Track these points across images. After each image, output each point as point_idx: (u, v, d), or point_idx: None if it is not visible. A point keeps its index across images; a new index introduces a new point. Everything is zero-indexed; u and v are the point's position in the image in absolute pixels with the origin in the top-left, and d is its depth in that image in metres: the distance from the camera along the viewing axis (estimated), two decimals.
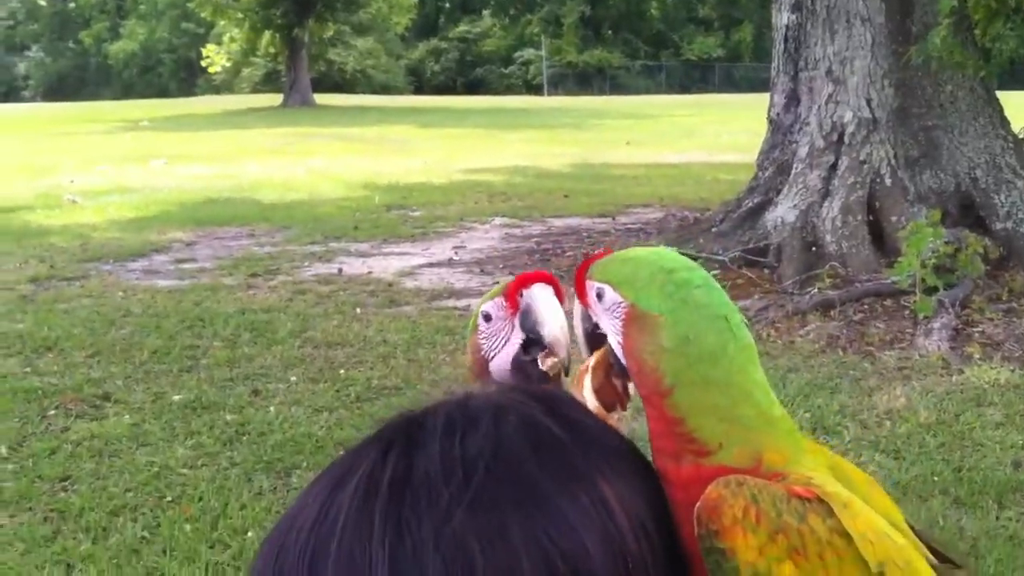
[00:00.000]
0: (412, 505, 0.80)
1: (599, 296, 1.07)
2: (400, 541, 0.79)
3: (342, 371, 6.46)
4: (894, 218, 8.83)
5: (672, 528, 0.94)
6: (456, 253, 10.68)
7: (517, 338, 1.30)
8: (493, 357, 1.39)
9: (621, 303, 1.03)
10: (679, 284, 1.00)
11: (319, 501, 0.84)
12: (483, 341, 1.41)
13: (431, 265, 10.08)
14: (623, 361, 1.05)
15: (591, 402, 1.07)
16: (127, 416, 5.68)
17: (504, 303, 1.39)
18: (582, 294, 1.11)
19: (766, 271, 8.89)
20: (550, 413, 0.89)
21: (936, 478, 4.64)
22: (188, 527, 4.31)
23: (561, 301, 1.39)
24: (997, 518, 4.28)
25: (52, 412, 5.78)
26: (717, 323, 0.99)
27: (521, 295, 1.30)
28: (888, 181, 9.07)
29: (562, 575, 0.79)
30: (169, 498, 4.63)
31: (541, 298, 1.37)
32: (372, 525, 0.80)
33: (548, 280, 1.40)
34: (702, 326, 0.99)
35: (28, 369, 6.58)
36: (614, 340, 1.05)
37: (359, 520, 0.80)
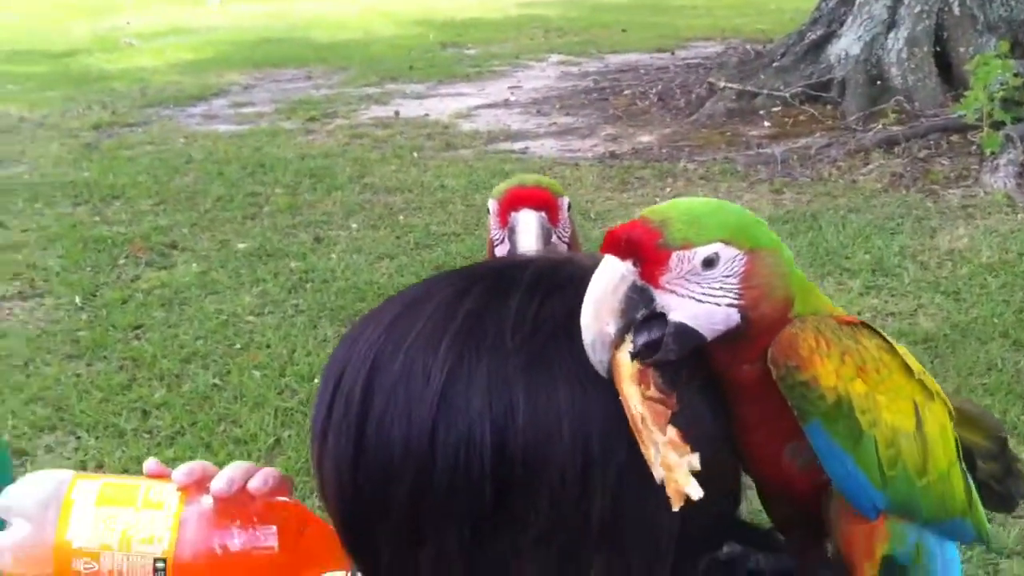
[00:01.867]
0: (479, 341, 0.84)
1: (709, 264, 0.98)
2: (458, 369, 0.83)
3: (401, 217, 6.52)
4: (962, 49, 8.55)
5: None
6: (512, 93, 10.57)
7: (506, 248, 1.38)
8: (497, 247, 1.44)
9: (739, 255, 0.99)
10: (750, 215, 1.05)
11: (393, 313, 0.89)
12: (493, 231, 1.46)
13: (487, 106, 10.00)
14: (717, 327, 0.99)
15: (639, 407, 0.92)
16: (194, 264, 5.82)
17: (497, 214, 1.43)
18: (655, 274, 0.96)
19: (829, 107, 8.71)
20: None
21: (996, 320, 4.63)
22: (257, 374, 4.46)
23: (554, 222, 1.42)
24: None
25: (122, 261, 5.93)
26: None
27: (509, 220, 1.37)
28: (956, 10, 8.75)
29: (594, 452, 0.84)
30: (238, 345, 4.78)
31: (523, 225, 1.40)
32: (439, 346, 0.85)
33: (540, 203, 1.41)
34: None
35: (97, 218, 6.73)
36: (721, 303, 0.99)
37: (430, 338, 0.85)
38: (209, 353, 4.71)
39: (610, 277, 0.94)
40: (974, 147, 7.23)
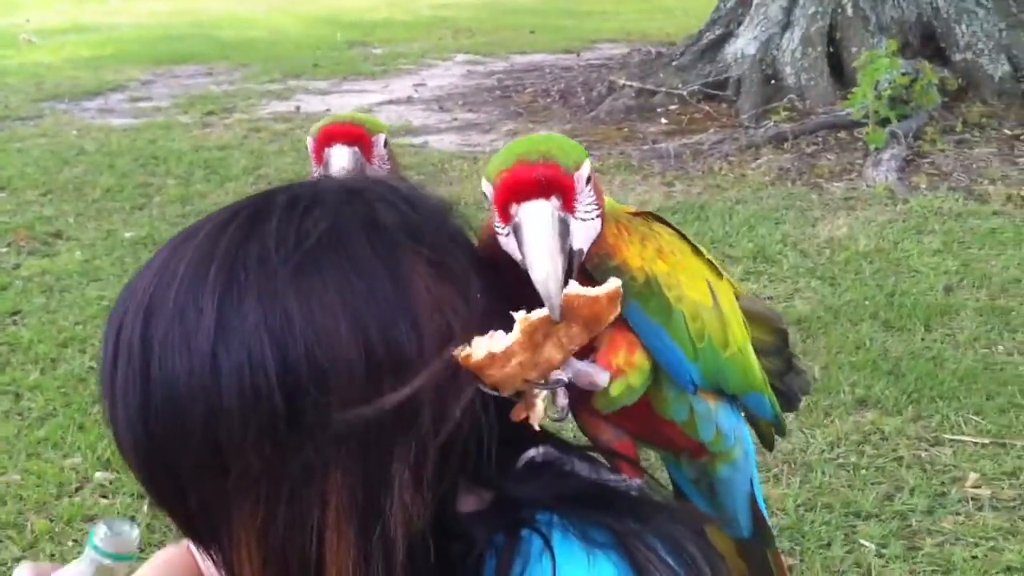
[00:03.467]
0: (244, 263, 0.86)
1: (588, 181, 1.03)
2: (228, 293, 0.85)
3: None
4: (854, 49, 8.74)
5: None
6: (416, 91, 10.58)
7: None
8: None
9: (590, 169, 1.03)
10: None
11: (162, 256, 0.91)
12: (312, 170, 1.44)
13: (391, 103, 9.99)
14: (591, 241, 1.05)
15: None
16: (78, 252, 5.73)
17: (313, 151, 1.41)
18: (571, 203, 1.01)
19: (724, 105, 8.86)
20: (395, 197, 0.95)
21: (868, 302, 4.76)
22: None
23: (368, 158, 1.39)
24: (922, 339, 4.42)
25: (3, 249, 5.82)
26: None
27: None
28: (850, 11, 8.96)
29: (375, 343, 0.86)
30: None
31: (336, 161, 1.36)
32: (207, 276, 0.86)
33: (352, 138, 1.38)
34: None
35: None
36: (593, 215, 1.04)
37: (197, 270, 0.87)
38: (88, 337, 4.63)
39: (547, 219, 0.96)
40: (860, 143, 7.42)
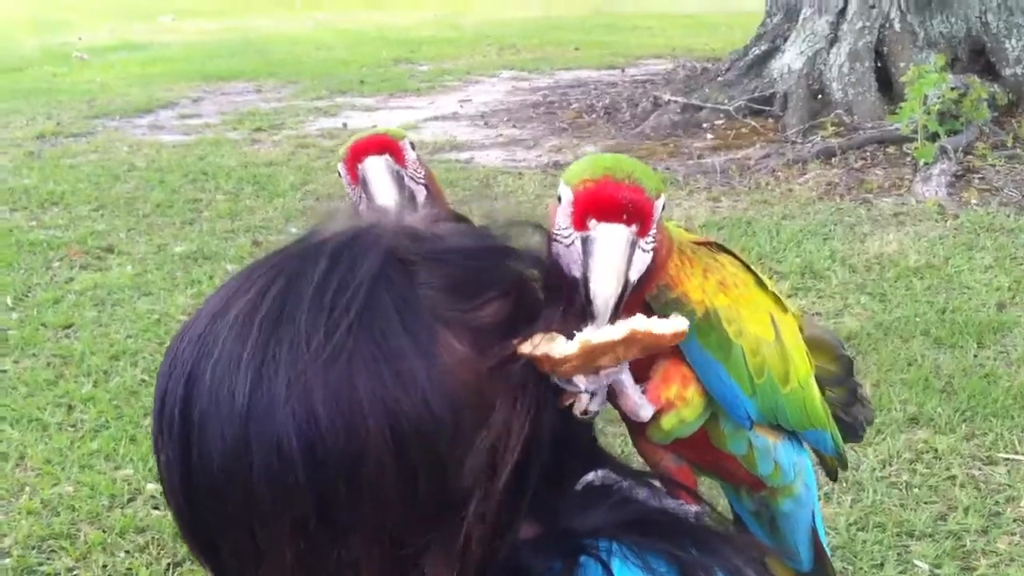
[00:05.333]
0: (274, 352, 0.84)
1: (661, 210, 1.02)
2: (258, 384, 0.84)
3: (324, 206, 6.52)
4: (902, 64, 8.68)
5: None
6: (462, 106, 10.62)
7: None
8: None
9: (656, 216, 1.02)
10: None
11: (202, 325, 0.89)
12: (349, 192, 1.42)
13: (436, 119, 10.04)
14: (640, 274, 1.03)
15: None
16: (129, 267, 5.79)
17: (346, 174, 1.40)
18: (647, 230, 0.99)
19: (770, 120, 8.82)
20: (435, 259, 0.92)
21: (919, 319, 4.71)
22: None
23: (401, 163, 1.37)
24: (975, 356, 4.36)
25: (56, 264, 5.90)
26: None
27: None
28: (897, 26, 8.90)
29: (407, 435, 0.84)
30: (168, 343, 4.75)
31: (372, 173, 1.34)
32: (240, 361, 0.85)
33: (381, 147, 1.36)
34: None
35: (34, 223, 6.69)
36: (648, 248, 1.02)
37: (232, 352, 0.86)
38: (139, 350, 4.69)
39: (622, 243, 0.96)
40: (908, 158, 7.36)
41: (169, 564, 3.16)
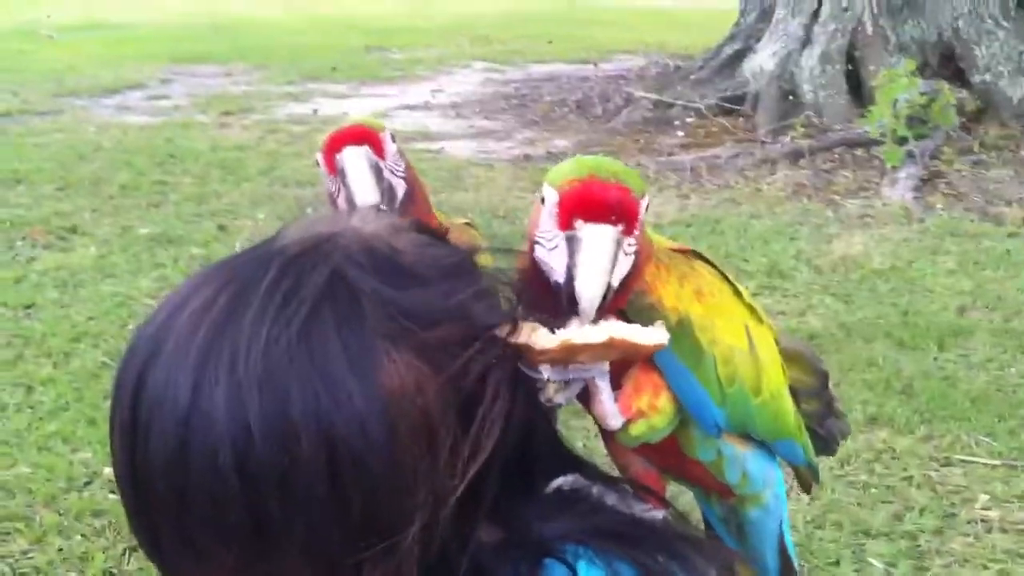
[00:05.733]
0: (215, 362, 0.84)
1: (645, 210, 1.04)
2: (198, 393, 0.83)
3: (309, 209, 6.49)
4: (873, 68, 8.75)
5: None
6: (434, 96, 10.59)
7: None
8: (337, 200, 1.40)
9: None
10: None
11: (159, 320, 0.89)
12: (327, 184, 1.41)
13: (408, 108, 10.02)
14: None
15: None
16: (93, 248, 5.74)
17: (324, 164, 1.39)
18: (632, 231, 1.02)
19: (741, 119, 8.86)
20: (386, 281, 0.89)
21: (882, 321, 4.75)
22: None
23: (380, 155, 1.36)
24: (935, 359, 4.40)
25: (19, 243, 5.83)
26: None
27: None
28: (869, 29, 8.96)
29: (340, 456, 0.83)
30: (131, 326, 4.71)
31: (350, 164, 1.33)
32: (184, 368, 0.84)
33: (360, 138, 1.35)
34: None
35: None
36: (631, 251, 1.03)
37: (175, 360, 0.85)
38: (101, 332, 4.64)
39: (609, 242, 0.97)
40: (877, 161, 7.42)
41: (125, 549, 3.13)
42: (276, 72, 11.71)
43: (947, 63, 9.01)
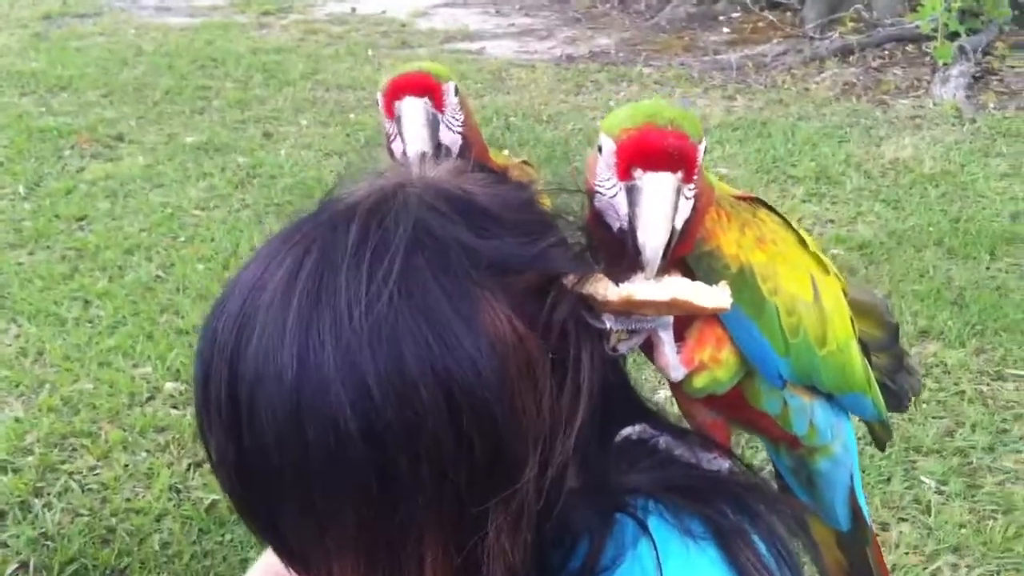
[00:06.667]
0: (318, 326, 0.83)
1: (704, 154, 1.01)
2: (305, 359, 0.83)
3: (352, 115, 6.47)
4: None
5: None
6: None
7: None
8: (392, 143, 1.40)
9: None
10: None
11: (237, 305, 0.87)
12: (385, 125, 1.39)
13: (446, 5, 9.86)
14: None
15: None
16: (141, 157, 5.77)
17: (383, 107, 1.38)
18: (692, 176, 0.98)
19: (788, 14, 8.68)
20: (468, 225, 0.90)
21: (932, 228, 4.70)
22: (200, 266, 4.47)
23: (439, 107, 1.34)
24: (987, 268, 4.36)
25: (67, 152, 5.87)
26: None
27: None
28: None
29: (460, 400, 0.83)
30: (182, 238, 4.77)
31: (407, 115, 1.32)
32: (283, 340, 0.84)
33: (421, 89, 1.34)
34: None
35: (43, 108, 6.63)
36: (687, 213, 1.02)
37: (273, 333, 0.84)
38: (153, 245, 4.70)
39: (669, 191, 0.95)
40: (927, 58, 7.25)
41: (190, 464, 3.22)
42: None
43: None
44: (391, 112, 1.38)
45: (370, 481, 0.84)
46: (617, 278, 0.97)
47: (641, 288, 0.97)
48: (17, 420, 3.45)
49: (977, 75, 6.92)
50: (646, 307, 0.99)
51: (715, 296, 0.97)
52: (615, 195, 0.99)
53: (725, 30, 8.47)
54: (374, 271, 0.84)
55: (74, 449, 3.34)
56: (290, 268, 0.87)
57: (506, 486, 0.87)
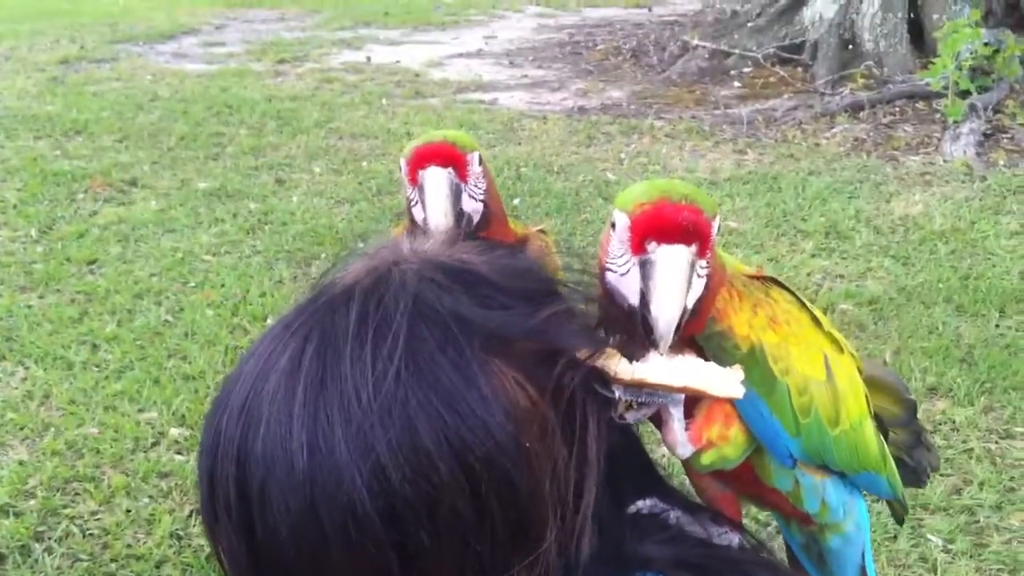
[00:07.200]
0: (326, 410, 0.82)
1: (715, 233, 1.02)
2: (315, 444, 0.81)
3: (364, 163, 6.51)
4: (936, 16, 8.57)
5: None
6: (486, 43, 10.52)
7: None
8: (412, 208, 1.41)
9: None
10: None
11: (242, 397, 0.86)
12: (407, 191, 1.40)
13: (460, 56, 9.96)
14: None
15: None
16: (153, 202, 5.81)
17: (407, 174, 1.38)
18: (706, 253, 1.00)
19: (800, 69, 8.73)
20: (468, 294, 0.89)
21: (942, 285, 4.69)
22: (210, 312, 4.47)
23: (463, 178, 1.34)
24: (997, 326, 4.35)
25: (81, 196, 5.91)
26: None
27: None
28: None
29: (477, 469, 0.82)
30: (192, 283, 4.79)
31: (430, 185, 1.33)
32: (291, 428, 0.82)
33: (446, 159, 1.34)
34: None
35: (58, 152, 6.69)
36: (699, 290, 1.02)
37: (280, 419, 0.83)
38: (163, 290, 4.71)
39: (684, 267, 0.96)
40: (938, 115, 7.28)
41: (192, 511, 3.21)
42: (329, 17, 11.71)
43: (1012, 12, 8.80)
44: (415, 179, 1.38)
45: (390, 562, 0.82)
46: (629, 354, 0.97)
47: (653, 372, 0.96)
48: (21, 463, 3.44)
49: (988, 133, 6.94)
50: (658, 387, 0.99)
51: (728, 384, 0.97)
52: (628, 271, 0.99)
53: (736, 84, 8.52)
54: (378, 350, 0.83)
55: (77, 494, 3.33)
56: (292, 356, 0.85)
57: (529, 552, 0.86)
